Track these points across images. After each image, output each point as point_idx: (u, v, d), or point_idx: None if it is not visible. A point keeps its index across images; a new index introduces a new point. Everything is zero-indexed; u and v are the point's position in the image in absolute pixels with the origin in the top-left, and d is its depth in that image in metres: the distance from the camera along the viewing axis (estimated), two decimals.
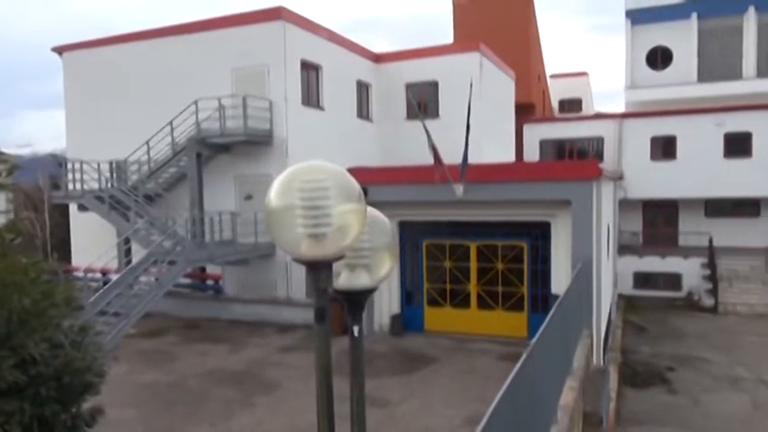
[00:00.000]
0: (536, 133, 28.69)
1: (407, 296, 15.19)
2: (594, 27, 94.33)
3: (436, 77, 21.60)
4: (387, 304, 14.84)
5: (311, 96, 18.39)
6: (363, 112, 21.59)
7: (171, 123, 16.58)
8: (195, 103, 16.33)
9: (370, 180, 14.05)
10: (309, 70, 18.27)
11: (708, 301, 23.27)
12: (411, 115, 20.99)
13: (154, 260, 13.65)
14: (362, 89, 21.52)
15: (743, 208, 25.94)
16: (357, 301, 2.51)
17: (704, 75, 28.90)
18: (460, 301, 14.63)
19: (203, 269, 17.30)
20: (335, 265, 2.35)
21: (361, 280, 2.47)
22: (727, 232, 25.52)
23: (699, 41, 28.88)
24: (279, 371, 11.78)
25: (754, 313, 22.15)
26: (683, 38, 29.02)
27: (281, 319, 15.70)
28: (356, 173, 12.19)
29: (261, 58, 17.00)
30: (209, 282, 17.59)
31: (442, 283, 14.85)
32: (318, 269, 2.22)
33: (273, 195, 2.17)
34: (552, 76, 37.29)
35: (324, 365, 2.29)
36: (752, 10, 27.69)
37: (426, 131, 12.71)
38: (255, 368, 12.04)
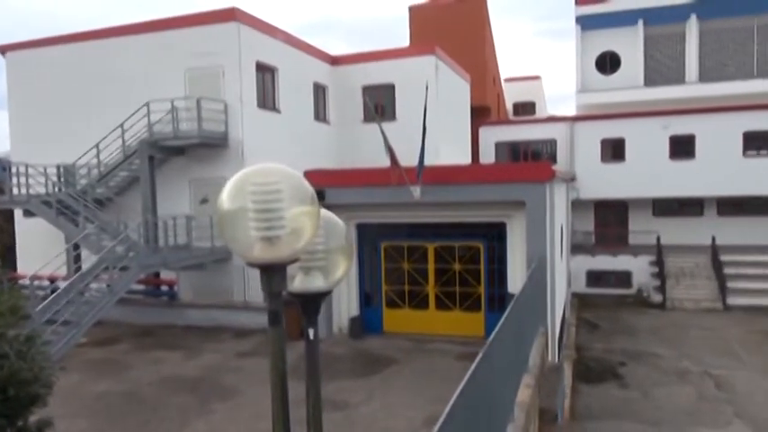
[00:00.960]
0: (491, 135, 29.16)
1: (366, 298, 15.21)
2: (547, 32, 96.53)
3: (393, 80, 21.73)
4: (346, 306, 14.83)
5: (267, 98, 18.23)
6: (320, 114, 21.52)
7: (122, 126, 16.16)
8: (147, 105, 15.95)
9: (328, 182, 14.03)
10: (265, 72, 18.11)
11: (656, 298, 24.06)
12: (368, 118, 21.05)
13: (105, 266, 13.27)
14: (319, 91, 21.46)
15: (688, 207, 26.97)
16: (312, 303, 2.51)
17: (650, 79, 29.97)
18: (419, 302, 14.74)
19: (157, 275, 16.90)
20: (290, 268, 2.34)
21: (316, 282, 2.47)
22: (674, 231, 26.49)
23: (645, 47, 29.93)
24: (236, 376, 11.61)
25: (700, 308, 23.03)
26: (630, 44, 30.03)
27: (239, 324, 15.48)
28: (313, 175, 12.20)
29: (215, 60, 16.76)
30: (164, 287, 17.20)
31: (400, 284, 14.93)
32: (272, 272, 2.21)
33: (225, 198, 2.15)
34: (507, 80, 38.01)
35: (279, 369, 2.28)
36: (693, 18, 28.87)
37: (383, 134, 12.77)
38: (212, 374, 11.84)
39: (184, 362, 12.73)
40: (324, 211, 2.47)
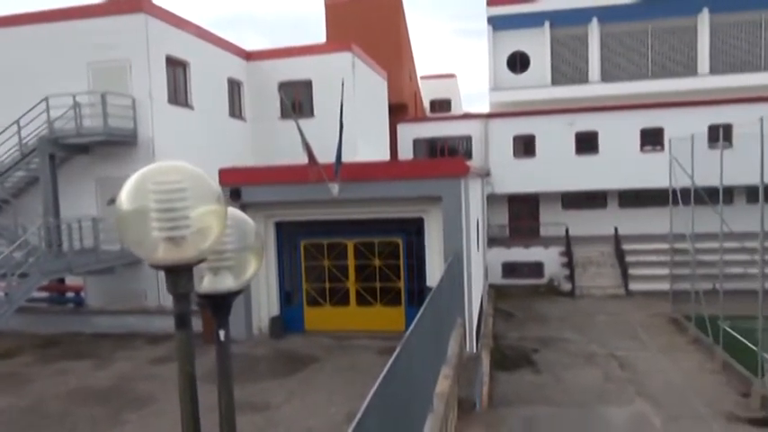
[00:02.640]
0: (409, 132, 29.60)
1: (287, 297, 15.03)
2: (463, 31, 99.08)
3: (310, 76, 21.57)
4: (265, 306, 14.59)
5: (179, 94, 17.58)
6: (236, 110, 21.02)
7: (18, 122, 15.06)
8: (45, 99, 14.96)
9: (244, 180, 13.73)
10: (176, 67, 17.45)
11: (566, 286, 25.37)
12: (285, 114, 20.79)
13: (3, 273, 12.33)
14: (234, 87, 20.95)
15: (593, 200, 28.59)
16: (222, 304, 2.46)
17: (557, 79, 31.49)
18: (340, 299, 14.74)
19: (62, 281, 15.91)
20: (197, 269, 2.28)
21: (225, 283, 2.42)
22: (581, 223, 28.00)
23: (552, 48, 31.40)
24: (151, 384, 11.14)
25: (606, 295, 24.51)
26: (538, 44, 31.39)
27: (153, 329, 14.84)
28: (229, 173, 11.88)
29: (121, 53, 15.97)
30: (70, 294, 16.21)
31: (321, 282, 14.86)
32: (178, 274, 2.15)
33: (125, 198, 2.06)
34: (423, 78, 38.66)
35: (187, 373, 2.22)
36: (595, 21, 30.59)
37: (300, 130, 12.65)
38: (125, 383, 11.30)
39: (94, 372, 12.07)
40: (233, 210, 2.42)
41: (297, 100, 21.54)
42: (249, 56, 21.88)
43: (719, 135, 15.95)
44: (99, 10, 16.18)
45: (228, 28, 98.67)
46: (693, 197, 17.68)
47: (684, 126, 21.36)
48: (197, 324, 11.86)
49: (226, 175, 13.60)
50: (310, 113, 21.13)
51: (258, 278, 14.31)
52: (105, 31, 16.02)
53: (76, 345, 14.21)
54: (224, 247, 2.36)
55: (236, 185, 13.47)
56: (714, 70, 29.89)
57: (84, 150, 16.00)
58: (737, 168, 14.49)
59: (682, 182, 18.38)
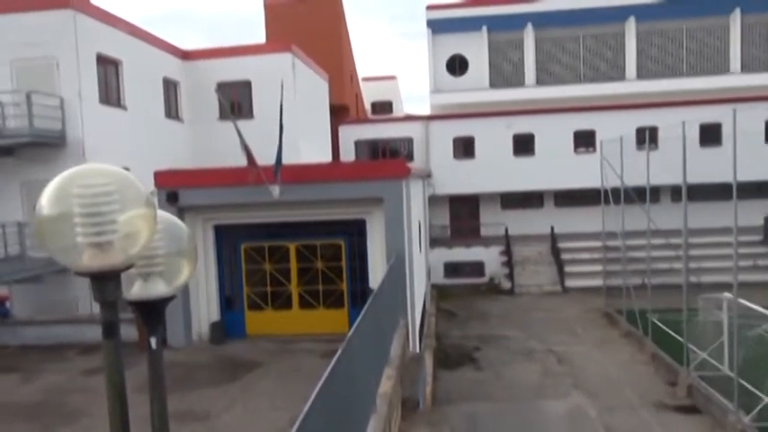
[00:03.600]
0: (351, 134, 29.61)
1: (227, 302, 14.73)
2: (404, 33, 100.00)
3: (249, 77, 21.22)
4: (205, 312, 14.25)
5: (111, 94, 16.94)
6: (172, 111, 20.43)
7: None
8: None
9: (182, 183, 13.39)
10: (108, 66, 16.80)
11: (506, 285, 26.00)
12: (224, 115, 20.37)
13: None
14: (170, 88, 20.36)
15: (530, 200, 29.42)
16: (154, 310, 2.39)
17: (495, 82, 32.25)
18: (282, 302, 14.57)
19: None
20: (127, 275, 2.21)
21: (156, 289, 2.34)
22: (520, 222, 28.74)
23: (489, 52, 32.13)
24: (84, 397, 10.67)
25: (543, 292, 25.27)
26: (476, 48, 32.06)
27: (86, 340, 14.20)
28: (165, 176, 11.53)
29: (48, 50, 15.23)
30: None
31: (262, 286, 14.65)
32: (105, 280, 2.07)
33: (45, 203, 1.97)
34: (364, 79, 38.76)
35: (115, 384, 2.14)
36: (530, 26, 31.52)
37: (238, 132, 12.44)
38: (55, 397, 10.77)
39: (20, 386, 11.45)
40: (164, 214, 2.36)
41: (236, 101, 21.16)
42: (186, 55, 21.32)
43: (646, 137, 16.75)
44: (23, 5, 15.39)
45: (163, 26, 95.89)
46: (623, 196, 18.47)
47: (614, 128, 22.29)
48: (133, 332, 11.46)
49: (162, 178, 13.21)
50: (250, 115, 20.79)
51: (197, 283, 13.96)
52: (30, 27, 15.25)
53: (2, 358, 13.44)
54: (154, 252, 2.29)
55: (172, 188, 13.10)
56: (641, 75, 31.37)
57: (8, 153, 15.17)
58: (663, 169, 15.22)
59: (612, 182, 19.17)
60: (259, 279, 14.65)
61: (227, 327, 14.45)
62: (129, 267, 2.11)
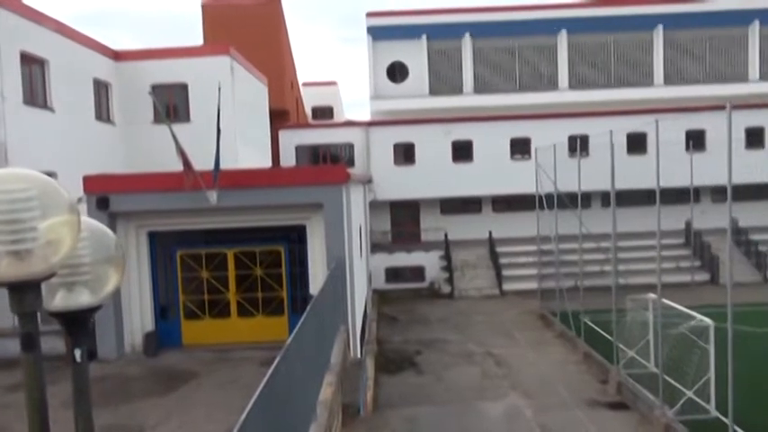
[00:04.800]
0: (291, 139, 29.35)
1: (162, 311, 14.27)
2: (344, 39, 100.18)
3: (185, 80, 20.69)
4: (138, 322, 13.73)
5: (36, 94, 16.12)
6: (103, 114, 19.65)
7: None
8: None
9: (113, 188, 12.89)
10: (33, 65, 15.99)
11: (446, 289, 26.39)
12: (159, 119, 19.75)
13: None
14: (101, 89, 19.58)
15: (469, 205, 30.01)
16: (78, 321, 2.29)
17: (434, 89, 32.79)
18: (220, 311, 14.24)
19: None
20: (49, 285, 2.11)
21: (81, 298, 2.25)
22: (459, 227, 29.26)
23: (429, 60, 32.65)
24: (4, 415, 10.06)
25: (482, 295, 25.81)
26: (416, 55, 32.51)
27: (8, 354, 13.36)
28: (95, 181, 11.06)
29: None
30: None
31: (199, 294, 14.27)
32: (23, 290, 1.97)
33: None
34: (305, 84, 38.56)
35: (35, 401, 2.03)
36: (467, 36, 32.26)
37: (173, 136, 12.09)
38: None
39: None
40: (89, 220, 2.27)
41: (171, 104, 20.58)
42: (118, 56, 20.57)
43: (577, 145, 17.44)
44: None
45: (95, 25, 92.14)
46: (556, 202, 19.13)
47: (548, 136, 23.08)
48: (62, 344, 10.90)
49: (92, 183, 12.67)
50: (186, 118, 20.26)
51: (129, 292, 13.46)
52: None
53: None
54: (79, 261, 2.20)
55: (103, 194, 12.59)
56: (573, 86, 32.65)
57: None
58: (593, 175, 15.89)
59: (546, 188, 19.84)
60: (196, 287, 14.27)
61: (162, 337, 13.98)
62: (50, 276, 2.02)
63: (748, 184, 22.97)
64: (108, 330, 12.88)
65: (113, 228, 12.98)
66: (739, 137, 26.03)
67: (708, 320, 11.73)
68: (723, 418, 10.30)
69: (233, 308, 14.22)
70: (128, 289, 13.40)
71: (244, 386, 10.93)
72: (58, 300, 2.23)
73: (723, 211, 9.89)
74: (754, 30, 32.18)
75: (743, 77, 32.48)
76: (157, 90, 20.04)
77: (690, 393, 11.63)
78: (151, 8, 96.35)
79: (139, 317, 13.73)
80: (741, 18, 32.07)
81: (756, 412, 11.65)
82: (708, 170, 18.74)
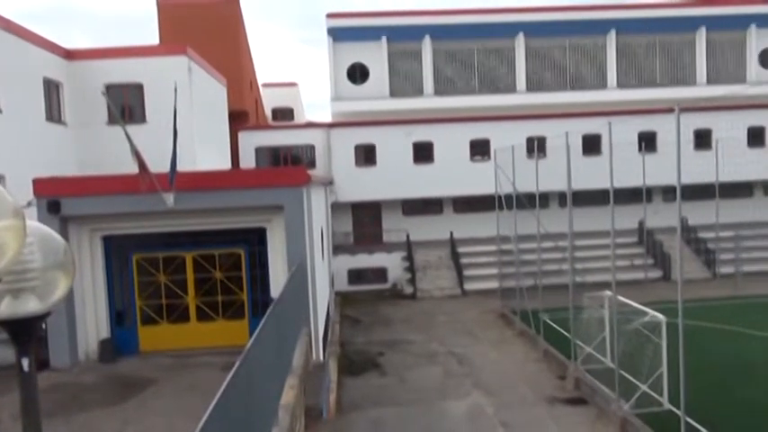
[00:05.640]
0: (251, 140, 29.01)
1: (118, 317, 13.90)
2: (305, 40, 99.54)
3: (141, 80, 20.19)
4: (93, 328, 13.35)
5: None
6: (54, 114, 19.01)
7: None
8: None
9: (65, 192, 12.50)
10: None
11: (408, 290, 26.50)
12: (113, 120, 19.23)
13: None
14: (52, 89, 18.93)
15: (430, 206, 30.23)
16: (25, 329, 2.21)
17: (395, 91, 32.92)
18: (179, 315, 13.97)
19: None
20: None
21: (27, 306, 2.17)
22: (420, 228, 29.44)
23: (389, 61, 32.77)
24: None
25: (445, 296, 26.02)
26: (376, 57, 32.58)
27: None
28: (46, 184, 10.75)
29: None
30: None
31: (157, 298, 13.96)
32: None
33: None
34: (264, 85, 38.15)
35: None
36: (428, 38, 32.51)
37: (128, 137, 11.80)
38: None
39: None
40: (36, 225, 2.19)
41: (126, 104, 20.07)
42: (71, 54, 19.94)
43: (535, 147, 17.78)
44: None
45: (45, 23, 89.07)
46: (515, 202, 19.46)
47: (507, 138, 23.47)
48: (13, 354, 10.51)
49: (42, 186, 12.26)
50: (142, 119, 19.78)
51: (83, 298, 13.07)
52: None
53: None
54: (25, 267, 2.12)
55: (54, 197, 12.19)
56: (530, 88, 33.27)
57: None
58: (551, 176, 16.21)
59: (506, 188, 20.14)
60: (153, 291, 13.96)
61: (118, 343, 13.62)
62: None
63: (697, 184, 23.88)
64: (61, 338, 12.48)
65: (65, 232, 12.59)
66: (688, 138, 27.02)
67: (660, 316, 12.11)
68: (675, 410, 10.65)
69: (192, 312, 13.97)
70: (81, 295, 13.02)
71: (204, 392, 10.71)
72: (4, 307, 2.15)
73: (674, 211, 10.23)
74: (701, 35, 33.43)
75: (691, 81, 33.70)
76: (112, 90, 19.51)
77: (644, 387, 11.98)
78: (106, 6, 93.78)
79: (94, 323, 13.35)
80: (689, 24, 33.29)
81: (706, 403, 12.09)
82: (659, 171, 19.32)
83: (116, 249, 13.71)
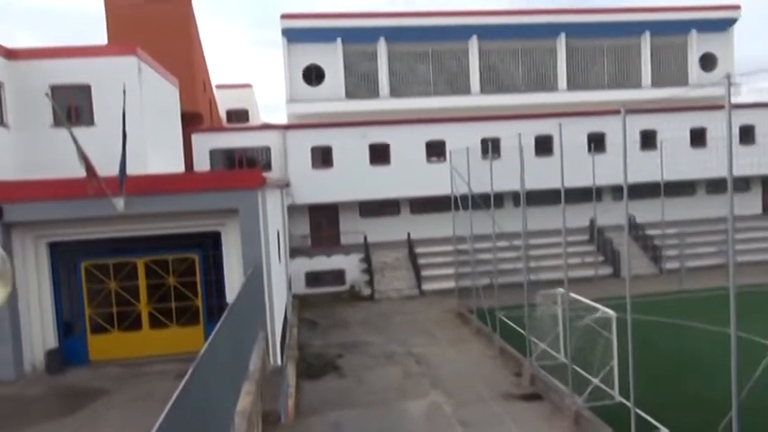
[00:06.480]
0: (206, 143, 28.51)
1: (66, 326, 13.44)
2: (259, 41, 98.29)
3: (88, 81, 19.55)
4: (39, 338, 12.86)
5: None
6: None
7: None
8: None
9: (7, 197, 12.03)
10: None
11: (366, 291, 26.51)
12: (59, 122, 18.57)
13: None
14: None
15: (387, 208, 30.33)
16: None
17: (350, 92, 32.92)
18: (131, 323, 13.61)
19: None
20: None
21: None
22: (378, 229, 29.52)
23: (345, 63, 32.75)
24: None
25: (402, 296, 26.13)
26: (331, 59, 32.51)
27: None
28: None
29: None
30: None
31: (107, 306, 13.56)
32: None
33: None
34: (218, 87, 37.53)
35: None
36: (382, 40, 32.64)
37: (74, 140, 11.44)
38: None
39: None
40: None
41: (73, 106, 19.40)
42: (12, 54, 19.14)
43: (489, 148, 18.06)
44: None
45: None
46: (471, 203, 19.72)
47: (462, 139, 23.82)
48: None
49: None
50: (90, 121, 19.15)
51: (28, 307, 12.58)
52: None
53: None
54: None
55: None
56: (484, 90, 33.81)
57: None
58: (505, 176, 16.50)
59: (461, 189, 20.39)
60: (103, 299, 13.55)
61: (67, 354, 13.16)
62: None
63: (644, 183, 24.74)
64: (4, 349, 12.00)
65: (8, 239, 12.10)
66: (635, 139, 27.98)
67: (610, 312, 12.49)
68: (626, 402, 10.98)
69: (145, 319, 13.63)
70: (26, 304, 12.54)
71: (158, 401, 10.48)
72: None
73: (623, 209, 10.56)
74: (646, 40, 34.68)
75: (637, 84, 34.91)
76: (57, 91, 18.84)
77: (596, 381, 12.32)
78: (51, 4, 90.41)
79: (40, 333, 12.87)
80: (634, 29, 34.50)
81: (655, 395, 12.55)
82: (608, 170, 19.95)
83: (63, 256, 13.26)
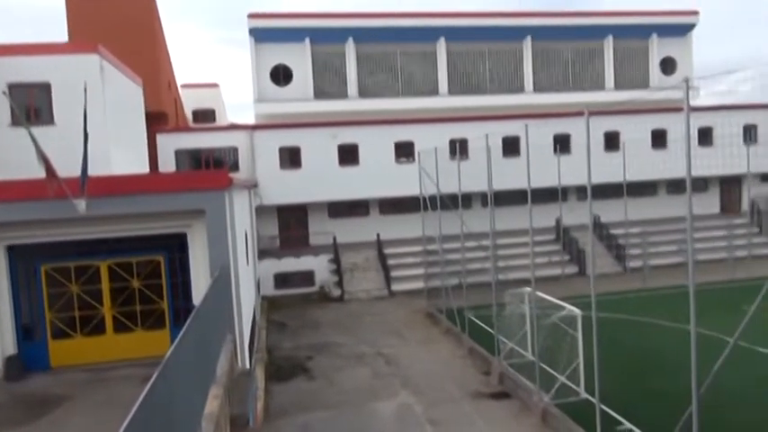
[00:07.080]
0: (171, 143, 28.01)
1: (26, 331, 13.04)
2: (225, 40, 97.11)
3: (48, 79, 19.02)
4: None
5: None
6: None
7: None
8: None
9: None
10: None
11: (336, 292, 26.43)
12: (17, 121, 18.02)
13: None
14: None
15: (357, 208, 30.29)
16: None
17: (319, 93, 32.80)
18: (94, 327, 13.29)
19: None
20: None
21: None
22: (347, 230, 29.44)
23: (313, 63, 32.61)
24: None
25: (372, 297, 26.13)
26: (300, 59, 32.35)
27: None
28: None
29: None
30: None
31: (69, 310, 13.21)
32: None
33: None
34: (184, 86, 36.96)
35: None
36: (351, 40, 32.63)
37: (33, 140, 11.11)
38: None
39: None
40: None
41: (32, 105, 18.84)
42: None
43: (457, 149, 18.21)
44: None
45: None
46: (440, 203, 19.84)
47: (430, 140, 23.95)
48: None
49: None
50: (50, 121, 18.63)
51: None
52: None
53: None
54: None
55: None
56: (452, 92, 34.07)
57: None
58: (473, 177, 16.65)
59: (430, 190, 20.51)
60: (65, 303, 13.19)
61: (27, 360, 12.78)
62: None
63: (608, 184, 25.27)
64: None
65: None
66: (599, 140, 28.56)
67: (576, 310, 12.71)
68: (592, 399, 11.19)
69: (108, 323, 13.32)
70: None
71: (122, 406, 10.18)
72: None
73: (587, 209, 10.76)
74: (609, 43, 35.46)
75: (600, 86, 35.66)
76: (16, 90, 18.29)
77: (563, 378, 12.53)
78: (17, 2, 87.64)
79: None
80: (598, 33, 35.24)
81: (620, 392, 12.82)
82: (573, 171, 20.27)
83: (22, 259, 12.87)
